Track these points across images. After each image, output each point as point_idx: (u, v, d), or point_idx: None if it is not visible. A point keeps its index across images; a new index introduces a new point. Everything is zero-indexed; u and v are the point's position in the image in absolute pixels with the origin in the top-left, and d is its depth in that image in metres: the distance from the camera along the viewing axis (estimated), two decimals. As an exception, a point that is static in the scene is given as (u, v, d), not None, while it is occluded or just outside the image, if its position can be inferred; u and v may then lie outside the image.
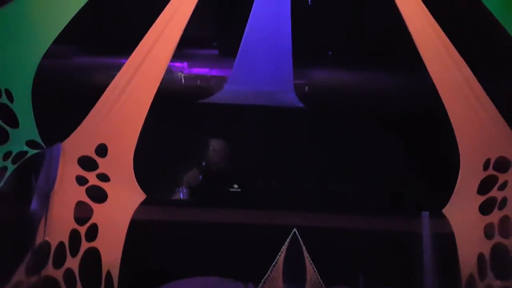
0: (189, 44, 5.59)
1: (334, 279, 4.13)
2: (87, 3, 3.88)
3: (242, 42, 5.35)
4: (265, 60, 5.48)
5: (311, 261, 3.97)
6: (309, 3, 5.60)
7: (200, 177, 5.17)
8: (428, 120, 4.66)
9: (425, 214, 4.12)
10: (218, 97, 5.41)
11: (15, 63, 3.85)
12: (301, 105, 5.23)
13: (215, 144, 5.50)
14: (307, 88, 5.61)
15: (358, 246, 4.31)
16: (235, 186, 5.07)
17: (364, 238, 4.38)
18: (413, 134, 4.87)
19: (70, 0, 3.90)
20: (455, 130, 3.97)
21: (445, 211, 3.96)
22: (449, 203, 3.97)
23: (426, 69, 4.01)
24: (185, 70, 5.89)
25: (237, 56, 5.43)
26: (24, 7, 3.79)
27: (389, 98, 5.04)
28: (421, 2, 3.93)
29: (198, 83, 5.84)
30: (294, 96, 5.36)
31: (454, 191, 3.96)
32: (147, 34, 3.98)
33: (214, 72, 5.84)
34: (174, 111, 5.21)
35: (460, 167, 3.95)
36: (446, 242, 3.92)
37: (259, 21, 5.25)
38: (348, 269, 4.23)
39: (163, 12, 4.00)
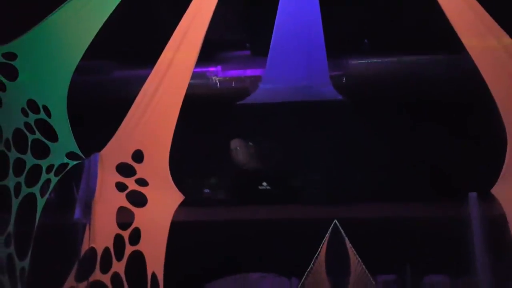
0: (221, 48, 5.66)
1: (381, 269, 3.97)
2: (109, 17, 3.99)
3: (272, 39, 5.31)
4: (297, 55, 5.39)
5: (355, 252, 3.84)
6: (339, -9, 5.47)
7: (240, 176, 5.19)
8: (472, 101, 4.41)
9: (473, 195, 3.88)
10: (255, 97, 5.39)
11: (49, 80, 4.00)
12: (340, 97, 5.09)
13: (254, 144, 5.50)
14: (344, 79, 5.48)
15: (405, 234, 4.14)
16: (264, 184, 5.04)
17: (411, 226, 4.19)
18: (458, 117, 4.65)
19: (94, 16, 4.01)
20: (500, 109, 3.73)
21: (494, 191, 3.71)
22: (497, 183, 3.72)
23: (465, 48, 3.80)
24: (219, 73, 5.93)
25: (269, 54, 5.39)
26: (52, 27, 3.93)
27: (429, 82, 4.84)
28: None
29: (233, 85, 5.87)
30: (331, 89, 5.24)
31: (503, 170, 3.71)
32: (169, 42, 4.04)
33: (248, 72, 5.84)
34: (212, 114, 5.26)
35: (508, 146, 3.69)
36: (498, 223, 3.66)
37: (287, 16, 5.18)
38: (394, 258, 4.06)
39: (182, 19, 4.05)
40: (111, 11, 3.96)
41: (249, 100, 5.49)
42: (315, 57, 5.29)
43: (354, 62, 5.51)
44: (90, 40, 3.99)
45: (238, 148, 5.45)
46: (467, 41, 3.78)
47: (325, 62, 5.28)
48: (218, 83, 5.95)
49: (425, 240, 4.16)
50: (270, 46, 5.27)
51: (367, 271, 3.83)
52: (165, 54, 4.07)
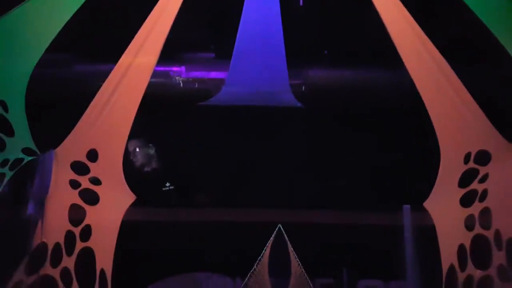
0: (186, 49, 5.76)
1: (319, 272, 4.23)
2: (75, 13, 4.04)
3: (236, 44, 5.46)
4: (259, 60, 5.57)
5: (295, 256, 4.08)
6: (301, 3, 5.68)
7: (192, 177, 5.32)
8: (409, 116, 4.71)
9: (407, 207, 4.19)
10: (217, 99, 5.52)
11: (8, 74, 4.02)
12: (299, 104, 5.29)
13: (212, 145, 5.63)
14: (303, 87, 5.70)
15: (342, 240, 4.41)
16: (167, 184, 5.17)
17: (348, 233, 4.47)
18: (396, 129, 4.94)
19: (59, 10, 4.03)
20: (434, 124, 4.03)
21: (426, 204, 4.01)
22: (429, 197, 4.02)
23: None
24: (183, 74, 6.03)
25: (232, 58, 5.54)
26: (16, 20, 3.95)
27: (374, 95, 5.11)
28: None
29: (196, 86, 5.98)
30: (291, 96, 5.44)
31: (435, 185, 4.01)
32: (131, 42, 4.13)
33: (212, 74, 5.97)
34: (173, 115, 5.36)
35: (441, 161, 4.00)
36: (427, 234, 3.97)
37: (250, 23, 5.35)
38: (332, 262, 4.33)
39: (146, 20, 4.14)
40: (76, 8, 4.01)
41: (211, 102, 5.62)
42: (276, 64, 5.50)
43: (313, 72, 5.74)
44: (53, 37, 4.02)
45: (137, 149, 5.51)
46: (408, 63, 4.03)
47: (285, 70, 5.49)
48: (181, 83, 6.06)
49: (361, 246, 4.44)
50: (233, 50, 5.44)
51: (306, 274, 4.07)
52: (126, 55, 4.14)
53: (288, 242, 4.09)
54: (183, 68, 6.10)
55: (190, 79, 6.15)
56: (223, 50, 5.74)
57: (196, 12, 4.92)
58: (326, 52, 5.81)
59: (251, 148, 5.29)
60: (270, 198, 4.87)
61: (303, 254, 4.16)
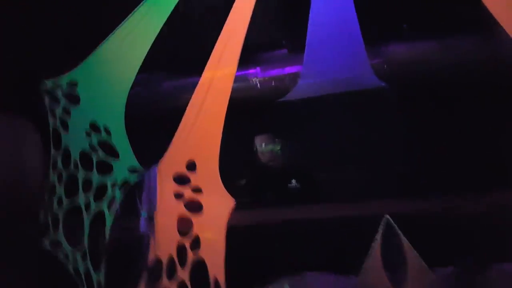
0: (258, 50, 5.75)
1: (439, 261, 3.99)
2: (159, 33, 4.21)
3: (307, 35, 5.32)
4: (334, 47, 5.36)
5: (410, 246, 3.88)
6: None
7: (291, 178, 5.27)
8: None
9: None
10: (294, 93, 5.40)
11: (108, 101, 4.31)
12: (383, 84, 5.00)
13: (298, 141, 5.56)
14: (385, 66, 5.40)
15: (460, 227, 4.12)
16: (293, 181, 5.08)
17: (466, 218, 4.17)
18: (502, 107, 4.51)
19: (146, 32, 4.23)
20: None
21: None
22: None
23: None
24: (259, 74, 6.04)
25: (306, 49, 5.42)
26: (106, 52, 4.23)
27: (472, 66, 4.71)
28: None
29: (273, 84, 5.95)
30: (374, 77, 5.14)
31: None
32: (213, 50, 4.20)
33: (287, 70, 5.89)
34: (255, 116, 5.37)
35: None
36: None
37: (320, 9, 5.19)
38: (453, 250, 4.06)
39: (224, 26, 4.20)
40: (159, 29, 4.19)
41: (289, 97, 5.53)
42: (352, 48, 5.25)
43: (394, 47, 5.39)
44: (142, 59, 4.25)
45: (263, 145, 5.51)
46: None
47: (363, 52, 5.22)
48: (258, 84, 6.06)
49: (485, 231, 4.11)
50: (306, 41, 5.31)
51: (425, 264, 3.85)
52: (209, 67, 4.24)
53: (400, 233, 3.88)
54: (258, 69, 6.10)
55: (267, 78, 6.12)
56: (295, 43, 5.63)
57: (263, 10, 4.86)
58: (405, 26, 5.47)
59: (342, 138, 5.12)
60: (372, 189, 4.69)
61: (419, 245, 3.92)
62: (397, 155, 4.88)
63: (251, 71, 5.88)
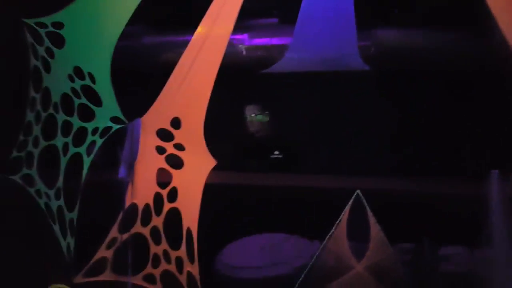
0: (248, 15, 5.71)
1: (400, 238, 4.24)
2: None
3: (301, 8, 5.33)
4: (326, 24, 5.35)
5: (375, 220, 4.13)
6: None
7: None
8: (501, 78, 4.45)
9: (495, 172, 4.00)
10: (280, 66, 5.42)
11: (94, 48, 4.27)
12: (367, 67, 5.09)
13: (279, 112, 5.65)
14: (372, 49, 5.46)
15: (424, 208, 4.36)
16: (276, 152, 5.21)
17: (432, 200, 4.41)
18: (484, 93, 4.65)
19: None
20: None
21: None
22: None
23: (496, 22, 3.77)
24: (245, 41, 6.02)
25: (297, 22, 5.43)
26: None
27: (458, 56, 4.82)
28: None
29: (259, 53, 5.95)
30: (359, 60, 5.16)
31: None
32: (208, 11, 4.18)
33: (275, 41, 5.89)
34: (238, 83, 5.41)
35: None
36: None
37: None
38: (414, 229, 4.31)
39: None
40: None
41: (274, 69, 5.57)
42: (344, 27, 5.27)
43: (383, 32, 5.43)
44: (134, 8, 4.18)
45: (253, 115, 5.58)
46: (501, 18, 3.71)
47: (354, 33, 5.26)
48: (244, 51, 6.06)
49: (445, 214, 4.37)
50: (298, 14, 5.32)
51: (386, 239, 4.10)
52: (203, 25, 4.20)
53: (367, 207, 4.13)
54: (245, 36, 6.07)
55: (253, 46, 6.11)
56: (286, 14, 5.62)
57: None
58: (396, 11, 5.53)
59: (322, 115, 5.24)
60: (346, 165, 4.85)
61: (383, 221, 4.17)
62: (375, 136, 5.04)
63: (238, 36, 5.83)
